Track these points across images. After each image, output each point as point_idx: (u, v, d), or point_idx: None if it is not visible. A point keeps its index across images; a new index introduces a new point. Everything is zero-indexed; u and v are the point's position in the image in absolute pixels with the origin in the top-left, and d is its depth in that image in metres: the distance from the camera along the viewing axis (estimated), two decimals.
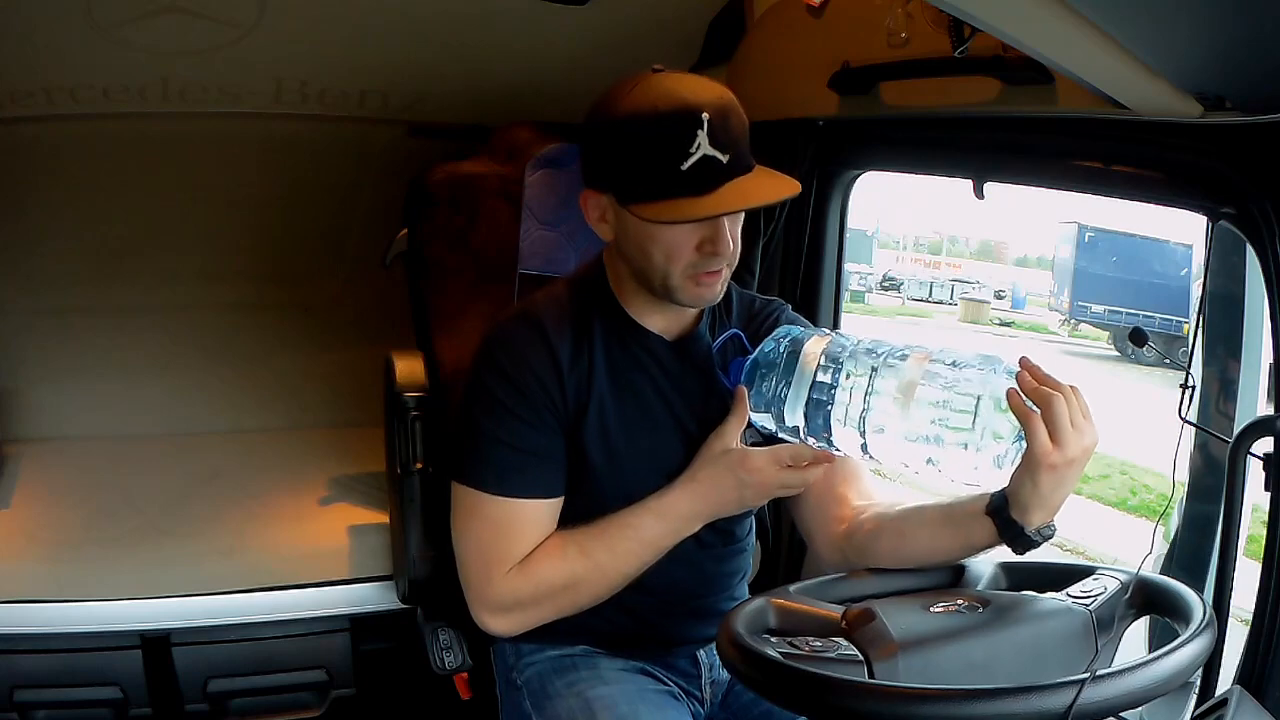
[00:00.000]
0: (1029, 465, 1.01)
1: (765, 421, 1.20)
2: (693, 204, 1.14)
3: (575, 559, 1.25)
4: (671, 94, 1.15)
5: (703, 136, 1.13)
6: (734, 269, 1.26)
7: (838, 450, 1.16)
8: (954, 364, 1.06)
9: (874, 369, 1.10)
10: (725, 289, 1.27)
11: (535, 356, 1.25)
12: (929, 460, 1.07)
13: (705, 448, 1.26)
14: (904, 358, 1.10)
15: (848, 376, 1.11)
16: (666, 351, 1.31)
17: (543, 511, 1.27)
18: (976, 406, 1.03)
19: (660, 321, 1.31)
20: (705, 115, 1.14)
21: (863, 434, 1.11)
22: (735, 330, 1.32)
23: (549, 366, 1.25)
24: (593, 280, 1.33)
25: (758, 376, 1.19)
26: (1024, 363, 1.03)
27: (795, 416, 1.16)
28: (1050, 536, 1.07)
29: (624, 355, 1.30)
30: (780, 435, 1.20)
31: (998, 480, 1.06)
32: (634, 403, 1.29)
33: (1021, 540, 1.07)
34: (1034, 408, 1.00)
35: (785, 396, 1.16)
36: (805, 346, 1.17)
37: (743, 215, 1.23)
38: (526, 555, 1.25)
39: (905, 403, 1.07)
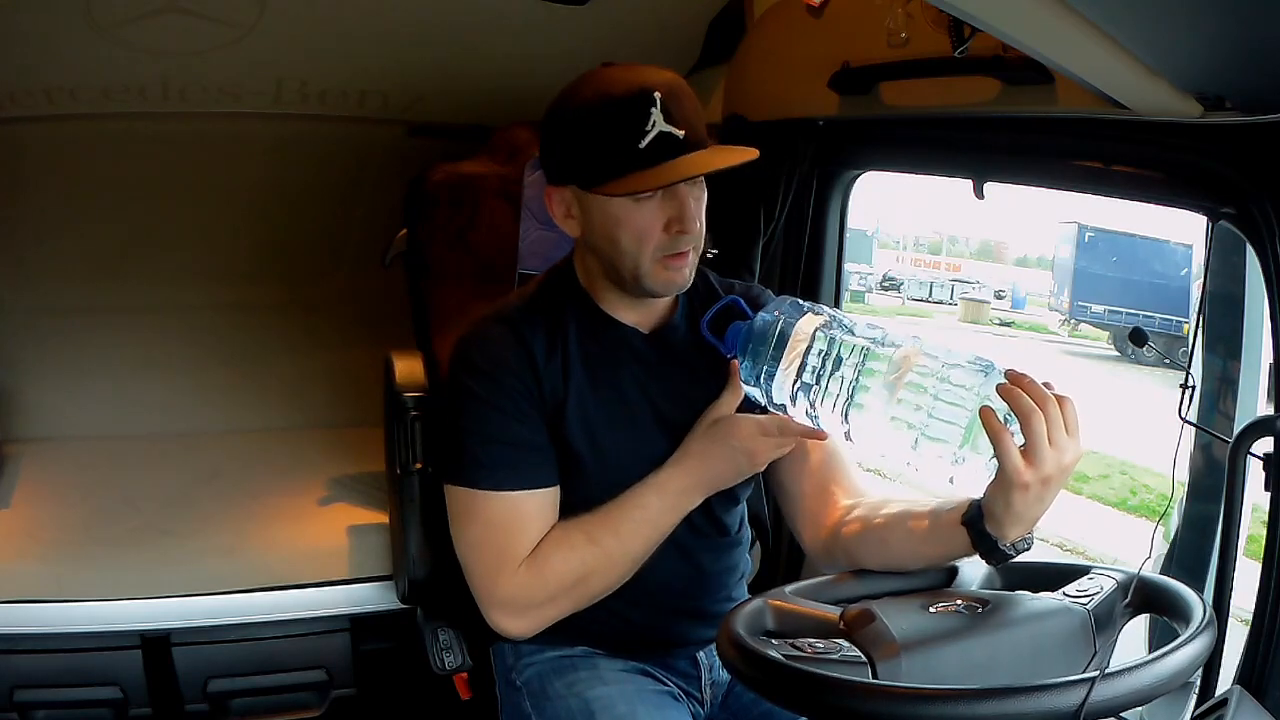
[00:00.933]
0: (1000, 483, 0.98)
1: (754, 394, 1.19)
2: (654, 174, 1.16)
3: (583, 547, 1.24)
4: (622, 80, 1.18)
5: (656, 114, 1.16)
6: (700, 251, 1.25)
7: (822, 428, 1.14)
8: (945, 364, 1.03)
9: (865, 356, 1.08)
10: (693, 274, 1.25)
11: (509, 352, 1.25)
12: (907, 462, 1.05)
13: (699, 421, 1.26)
14: (897, 348, 1.07)
15: (838, 361, 1.09)
16: (643, 344, 1.31)
17: (541, 502, 1.26)
18: (959, 414, 1.01)
19: (635, 315, 1.31)
20: (657, 94, 1.16)
21: (846, 420, 1.09)
22: (734, 296, 1.30)
23: (524, 361, 1.25)
24: (563, 277, 1.33)
25: (750, 347, 1.17)
26: (1010, 375, 0.99)
27: (782, 394, 1.14)
28: (1027, 549, 1.05)
29: (600, 350, 1.29)
30: (768, 409, 1.19)
31: (976, 487, 1.03)
32: (613, 397, 1.29)
33: (996, 554, 1.04)
34: (1012, 421, 0.97)
35: (775, 371, 1.14)
36: (799, 324, 1.14)
37: (705, 197, 1.23)
38: (533, 551, 1.24)
39: (890, 398, 1.05)
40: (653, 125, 1.16)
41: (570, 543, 1.24)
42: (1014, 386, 0.97)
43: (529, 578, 1.24)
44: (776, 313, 1.18)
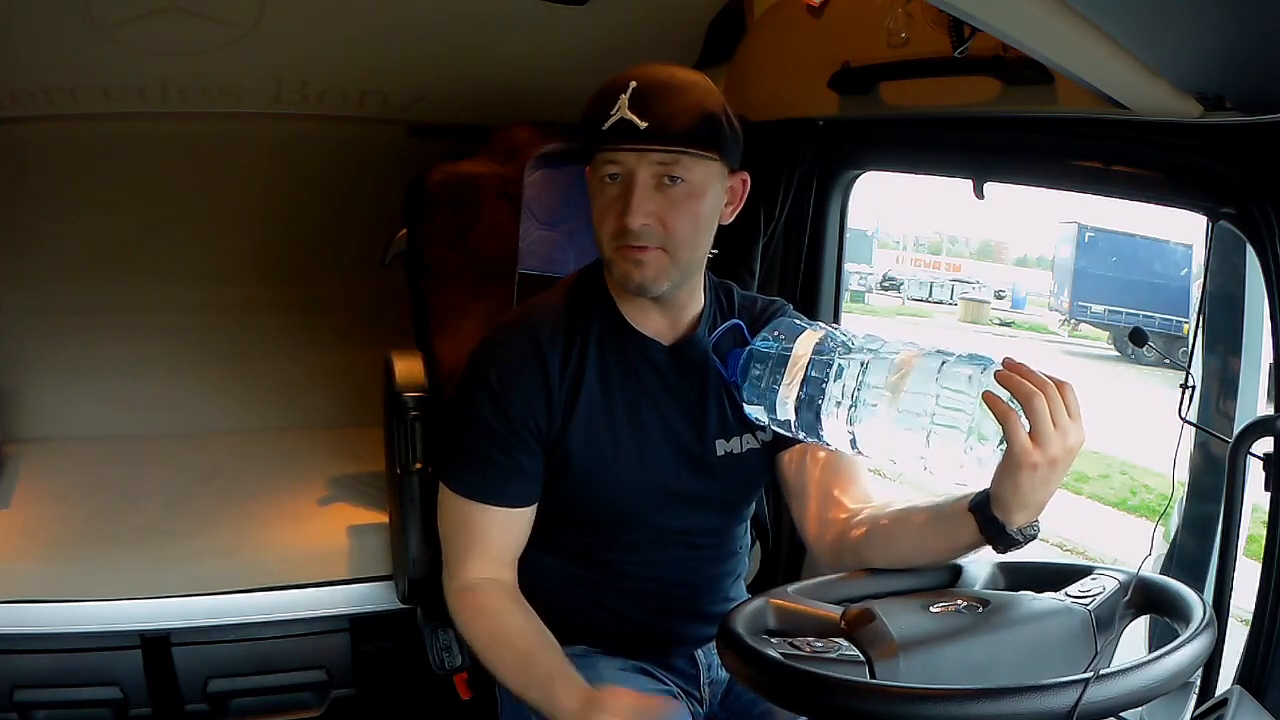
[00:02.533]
0: (1008, 464, 0.99)
1: (758, 414, 1.20)
2: (604, 153, 1.21)
3: (487, 637, 1.26)
4: (628, 70, 1.23)
5: (624, 99, 1.19)
6: (680, 262, 1.24)
7: (828, 444, 1.15)
8: (944, 362, 1.05)
9: (865, 364, 1.10)
10: (661, 277, 1.23)
11: (525, 372, 1.27)
12: (919, 457, 1.07)
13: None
14: (895, 354, 1.09)
15: (839, 371, 1.11)
16: (663, 356, 1.31)
17: (502, 518, 1.28)
18: (964, 405, 1.02)
19: (655, 324, 1.31)
20: (633, 84, 1.20)
21: (851, 429, 1.10)
22: (736, 320, 1.32)
23: (538, 381, 1.27)
24: (590, 283, 1.33)
25: (752, 368, 1.19)
26: (1008, 361, 1.01)
27: (786, 410, 1.16)
28: (1034, 537, 1.05)
29: (618, 360, 1.30)
30: (772, 427, 1.21)
31: (984, 478, 1.04)
32: (624, 409, 1.29)
33: (1003, 539, 1.05)
34: (1016, 405, 0.98)
35: (778, 389, 1.16)
36: (799, 340, 1.16)
37: (691, 201, 1.22)
38: (483, 591, 1.28)
39: (893, 399, 1.06)
40: (616, 109, 1.19)
41: (496, 618, 1.26)
42: (1013, 374, 0.99)
43: (460, 602, 1.29)
44: (775, 333, 1.20)
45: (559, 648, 1.24)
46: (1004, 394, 0.99)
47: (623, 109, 1.19)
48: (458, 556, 1.31)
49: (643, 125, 1.18)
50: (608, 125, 1.20)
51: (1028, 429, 0.98)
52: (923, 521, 1.13)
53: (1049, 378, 0.99)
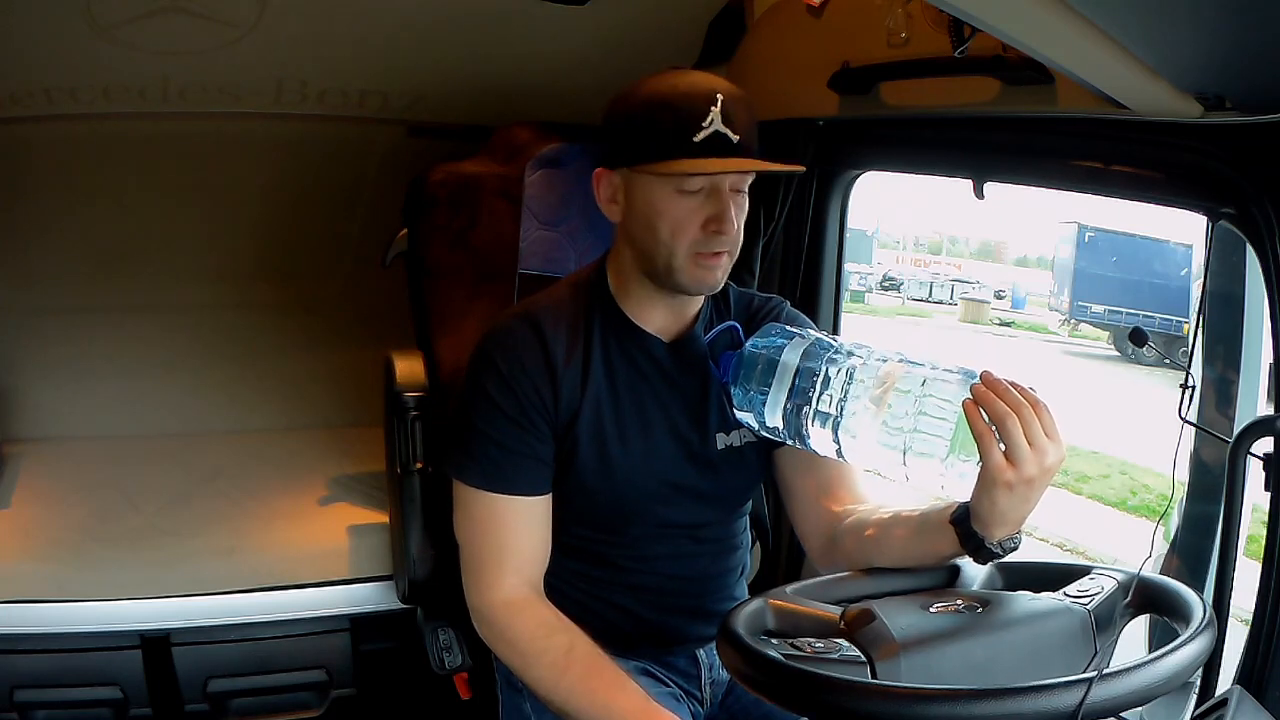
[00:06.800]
0: (984, 482, 1.00)
1: (748, 420, 1.21)
2: (703, 163, 1.19)
3: (539, 655, 1.22)
4: (690, 78, 1.23)
5: (715, 112, 1.19)
6: (735, 259, 1.26)
7: (815, 451, 1.17)
8: (930, 376, 1.06)
9: (851, 375, 1.11)
10: (725, 277, 1.26)
11: (530, 358, 1.26)
12: (900, 466, 1.07)
13: None
14: (881, 365, 1.10)
15: (825, 382, 1.12)
16: (664, 353, 1.32)
17: (525, 508, 1.27)
18: (946, 417, 1.03)
19: (658, 321, 1.32)
20: (720, 95, 1.20)
21: (837, 438, 1.12)
22: (732, 322, 1.32)
23: (543, 368, 1.26)
24: (592, 281, 1.34)
25: (742, 374, 1.20)
26: (985, 377, 1.01)
27: (775, 417, 1.17)
28: (1014, 549, 1.06)
29: (621, 356, 1.31)
30: (761, 433, 1.21)
31: (965, 492, 1.05)
32: (629, 404, 1.30)
33: (983, 552, 1.06)
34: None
35: (765, 398, 1.17)
36: (788, 348, 1.18)
37: (747, 206, 1.25)
38: (541, 606, 1.25)
39: (877, 412, 1.08)
40: (710, 122, 1.19)
41: (547, 638, 1.23)
42: (988, 390, 0.99)
43: (496, 616, 1.25)
44: (766, 339, 1.21)
45: (611, 677, 1.20)
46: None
47: (716, 122, 1.19)
48: (487, 564, 1.26)
49: (735, 139, 1.19)
50: (701, 137, 1.18)
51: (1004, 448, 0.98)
52: (906, 531, 1.15)
53: (1026, 397, 0.99)
